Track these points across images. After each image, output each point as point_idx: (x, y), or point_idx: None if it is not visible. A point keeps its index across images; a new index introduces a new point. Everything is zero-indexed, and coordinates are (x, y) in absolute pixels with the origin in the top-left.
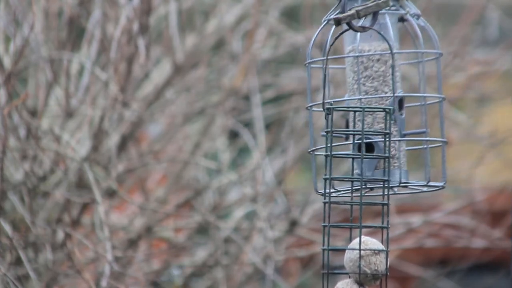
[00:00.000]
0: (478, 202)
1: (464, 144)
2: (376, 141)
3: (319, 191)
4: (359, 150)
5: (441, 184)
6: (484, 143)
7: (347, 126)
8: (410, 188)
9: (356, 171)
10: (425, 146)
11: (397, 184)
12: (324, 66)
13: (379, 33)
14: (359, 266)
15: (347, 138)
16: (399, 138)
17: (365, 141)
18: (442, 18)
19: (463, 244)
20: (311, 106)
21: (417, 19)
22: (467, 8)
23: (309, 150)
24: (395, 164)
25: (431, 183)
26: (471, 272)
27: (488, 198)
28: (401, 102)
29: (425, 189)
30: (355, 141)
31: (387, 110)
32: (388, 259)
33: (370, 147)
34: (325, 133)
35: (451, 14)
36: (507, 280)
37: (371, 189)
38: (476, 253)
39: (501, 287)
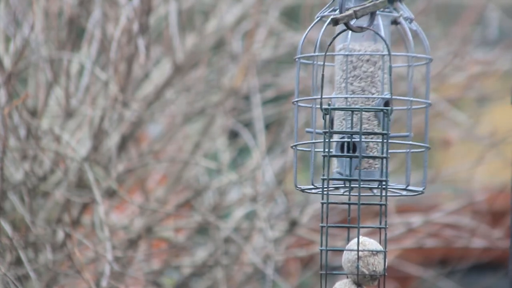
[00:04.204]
0: (478, 202)
1: (464, 144)
2: (359, 141)
3: (299, 187)
4: (341, 149)
5: (420, 189)
6: (484, 143)
7: (333, 124)
8: (389, 191)
9: (337, 169)
10: (408, 150)
11: (376, 186)
12: (317, 63)
13: (377, 34)
14: (357, 267)
15: (330, 137)
16: (381, 140)
17: (348, 140)
18: (442, 18)
19: (463, 244)
20: (297, 101)
21: (410, 22)
22: (467, 8)
23: (292, 145)
24: (376, 166)
25: (410, 188)
26: (471, 272)
27: (488, 198)
28: (387, 104)
29: (404, 193)
30: (338, 140)
31: (385, 110)
32: (387, 259)
33: (352, 147)
34: (310, 130)
35: (451, 14)
36: (507, 280)
37: (352, 189)
38: (476, 253)
39: (501, 287)
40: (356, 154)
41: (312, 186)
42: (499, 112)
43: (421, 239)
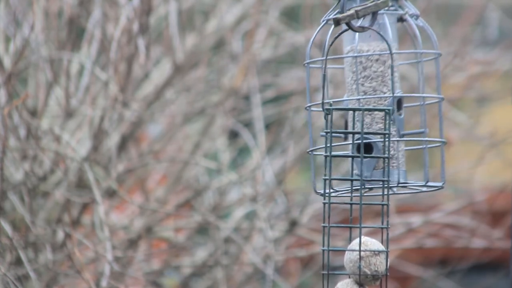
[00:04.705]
0: (478, 202)
1: (464, 144)
2: (375, 142)
3: (318, 191)
4: (358, 150)
5: (439, 184)
6: (484, 143)
7: (346, 126)
8: (409, 188)
9: (355, 171)
10: (424, 146)
11: (396, 184)
12: (323, 66)
13: (378, 33)
14: (359, 267)
15: (346, 138)
16: (398, 138)
17: (364, 141)
18: (442, 18)
19: (463, 244)
20: (310, 106)
21: (416, 19)
22: (467, 8)
23: (308, 150)
24: (394, 164)
25: (430, 183)
26: (471, 272)
27: (488, 198)
28: (400, 102)
29: (424, 189)
30: (354, 141)
31: (386, 110)
32: (388, 259)
33: (369, 148)
34: (324, 133)
35: (451, 14)
36: (507, 280)
37: (370, 189)
38: (476, 253)
39: (501, 287)
40: (367, 154)
41: (332, 190)
42: (499, 112)
43: (421, 239)
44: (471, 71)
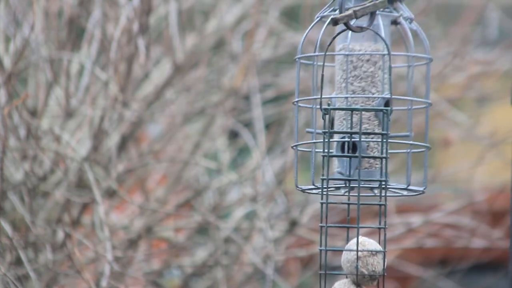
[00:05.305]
0: (478, 202)
1: (464, 144)
2: (360, 141)
3: (299, 187)
4: (342, 149)
5: (421, 189)
6: (484, 143)
7: (333, 125)
8: (390, 191)
9: (338, 169)
10: (408, 150)
11: (377, 186)
12: (318, 64)
13: (377, 34)
14: (357, 267)
15: (331, 137)
16: (381, 140)
17: (350, 140)
18: (442, 18)
19: (463, 244)
20: (297, 102)
21: (410, 22)
22: (467, 8)
23: (292, 145)
24: (377, 166)
25: (411, 187)
26: (471, 272)
27: (488, 198)
28: (387, 104)
29: (405, 193)
30: (338, 140)
31: (384, 110)
32: (386, 259)
33: (353, 147)
34: (311, 130)
35: (451, 14)
36: (507, 280)
37: (352, 188)
38: (476, 253)
39: (501, 287)
40: (356, 154)
41: (313, 186)
42: (499, 112)
43: (421, 239)
44: (471, 71)
